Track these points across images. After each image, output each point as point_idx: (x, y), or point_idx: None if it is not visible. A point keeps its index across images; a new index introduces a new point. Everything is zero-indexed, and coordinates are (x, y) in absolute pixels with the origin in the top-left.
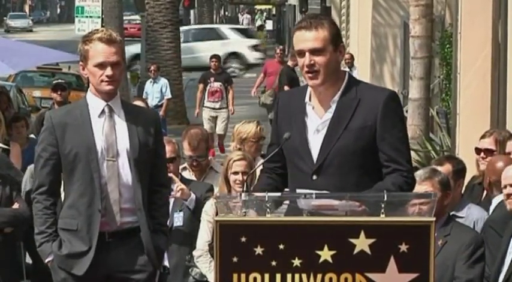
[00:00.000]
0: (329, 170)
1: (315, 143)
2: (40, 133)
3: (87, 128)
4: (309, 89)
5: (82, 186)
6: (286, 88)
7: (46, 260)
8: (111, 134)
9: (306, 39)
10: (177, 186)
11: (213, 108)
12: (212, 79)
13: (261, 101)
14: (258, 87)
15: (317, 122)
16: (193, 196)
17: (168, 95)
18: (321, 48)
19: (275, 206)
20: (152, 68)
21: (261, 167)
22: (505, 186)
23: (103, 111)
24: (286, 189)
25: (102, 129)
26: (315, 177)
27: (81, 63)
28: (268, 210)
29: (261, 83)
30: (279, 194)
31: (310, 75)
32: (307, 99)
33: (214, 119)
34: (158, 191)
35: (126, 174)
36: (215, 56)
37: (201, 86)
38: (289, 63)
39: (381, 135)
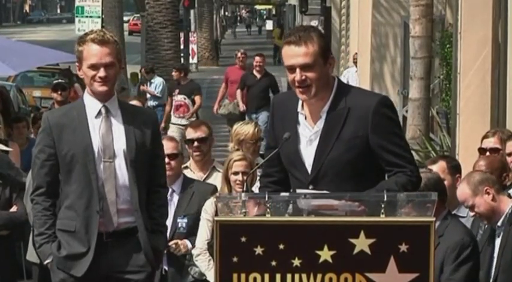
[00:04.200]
0: (324, 180)
1: (309, 153)
2: (37, 134)
3: (84, 129)
4: None
5: (80, 187)
6: None
7: (46, 262)
8: (107, 135)
9: (296, 54)
10: (172, 243)
11: (179, 125)
12: (176, 91)
13: (221, 110)
14: (221, 101)
15: (309, 132)
16: (189, 246)
17: (159, 94)
18: (312, 63)
19: (286, 207)
20: (143, 70)
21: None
22: None
23: (100, 112)
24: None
25: (99, 130)
26: (311, 187)
27: (77, 64)
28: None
29: (224, 94)
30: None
31: (301, 89)
32: (299, 108)
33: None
34: (157, 192)
35: (123, 175)
36: (177, 66)
37: (169, 99)
38: None
39: (377, 142)
